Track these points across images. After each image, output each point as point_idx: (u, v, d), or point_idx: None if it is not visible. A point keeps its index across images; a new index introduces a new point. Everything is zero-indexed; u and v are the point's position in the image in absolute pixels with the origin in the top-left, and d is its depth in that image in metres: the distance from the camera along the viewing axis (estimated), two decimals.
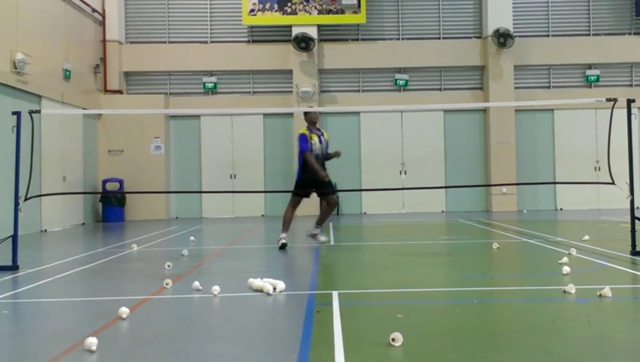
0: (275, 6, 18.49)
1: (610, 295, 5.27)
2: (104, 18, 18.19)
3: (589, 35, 19.38)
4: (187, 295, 5.84)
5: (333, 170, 18.96)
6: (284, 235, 9.58)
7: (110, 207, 17.20)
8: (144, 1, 19.19)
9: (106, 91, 18.26)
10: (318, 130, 9.79)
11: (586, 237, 9.88)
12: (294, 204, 9.81)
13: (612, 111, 8.49)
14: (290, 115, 18.47)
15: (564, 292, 5.48)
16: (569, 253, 8.01)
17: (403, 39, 19.26)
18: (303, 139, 9.57)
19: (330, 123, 18.85)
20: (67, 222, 15.45)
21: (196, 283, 6.06)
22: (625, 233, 8.67)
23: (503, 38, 18.34)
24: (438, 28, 19.35)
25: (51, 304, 5.89)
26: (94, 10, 17.58)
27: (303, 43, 18.33)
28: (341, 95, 18.99)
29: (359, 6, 18.50)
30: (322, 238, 9.89)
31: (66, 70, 15.57)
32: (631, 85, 19.30)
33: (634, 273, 6.92)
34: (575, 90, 19.02)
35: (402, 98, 18.62)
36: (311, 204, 18.51)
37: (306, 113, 9.91)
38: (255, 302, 5.49)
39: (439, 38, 19.32)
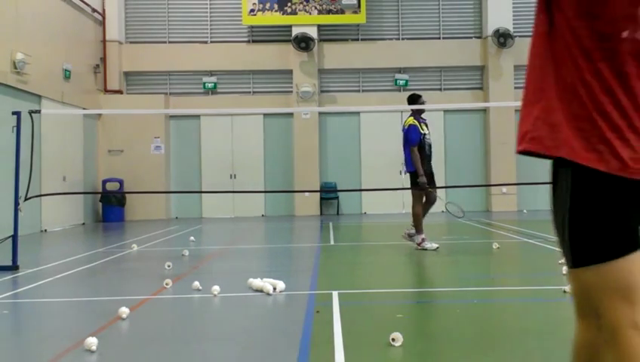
0: (275, 6, 18.49)
1: None
2: (104, 18, 18.19)
3: None
4: (187, 295, 5.84)
5: (334, 169, 19.04)
6: (423, 236, 8.88)
7: (110, 207, 17.20)
8: (144, 1, 19.18)
9: (106, 91, 18.26)
10: (424, 118, 9.15)
11: None
12: (420, 198, 9.04)
13: None
14: (290, 114, 18.48)
15: (564, 292, 5.47)
16: None
17: (403, 39, 19.26)
18: (415, 131, 8.88)
19: (330, 123, 18.86)
20: (67, 222, 15.45)
21: (196, 283, 6.06)
22: None
23: (503, 38, 18.34)
24: (438, 28, 19.35)
25: (51, 304, 5.89)
26: (94, 10, 17.58)
27: (303, 43, 18.33)
28: (341, 95, 18.98)
29: (359, 6, 18.49)
30: (428, 245, 8.85)
31: (66, 70, 15.57)
32: None
33: None
34: None
35: (402, 98, 18.55)
36: (312, 205, 18.57)
37: (414, 100, 9.05)
38: (255, 302, 5.49)
39: (439, 38, 19.32)
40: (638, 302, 1.69)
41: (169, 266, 7.44)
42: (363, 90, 19.12)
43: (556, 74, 1.83)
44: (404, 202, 18.49)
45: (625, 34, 1.70)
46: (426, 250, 8.85)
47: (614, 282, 1.69)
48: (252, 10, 18.50)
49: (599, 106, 1.72)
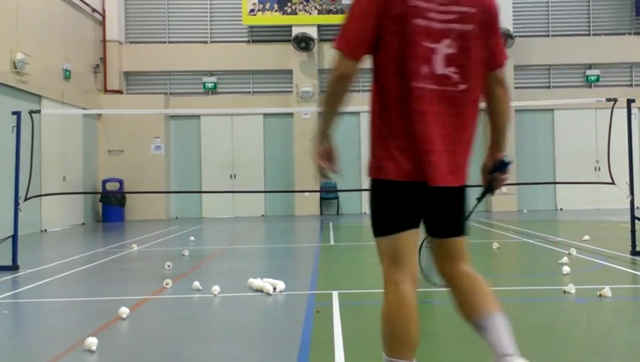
0: (275, 6, 18.49)
1: (610, 295, 5.27)
2: (104, 18, 18.19)
3: (589, 35, 19.38)
4: (187, 295, 5.84)
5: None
6: None
7: (110, 207, 17.20)
8: (144, 1, 19.18)
9: (106, 91, 18.26)
10: None
11: (586, 237, 9.88)
12: None
13: (612, 111, 8.49)
14: (290, 114, 18.48)
15: (564, 292, 5.48)
16: (569, 253, 8.01)
17: None
18: None
19: None
20: (67, 222, 15.45)
21: (196, 283, 6.06)
22: (625, 233, 8.67)
23: (503, 38, 18.32)
24: None
25: (51, 304, 5.89)
26: (94, 10, 17.58)
27: (303, 43, 18.33)
28: None
29: None
30: None
31: (66, 70, 15.57)
32: (631, 85, 19.29)
33: (634, 273, 6.92)
34: (575, 90, 19.01)
35: None
36: (312, 205, 18.56)
37: None
38: (255, 302, 5.49)
39: None
40: (401, 266, 2.51)
41: (169, 266, 7.44)
42: (363, 90, 19.04)
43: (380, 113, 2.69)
44: None
45: (414, 83, 2.48)
46: None
47: (387, 249, 2.56)
48: (252, 10, 18.50)
49: (390, 136, 2.58)
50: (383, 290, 2.53)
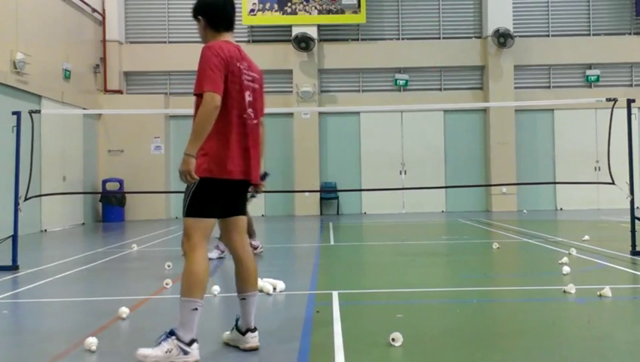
0: (275, 6, 18.49)
1: (610, 295, 5.27)
2: (104, 18, 18.19)
3: (589, 35, 19.38)
4: None
5: (334, 169, 19.06)
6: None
7: (110, 206, 17.20)
8: (144, 1, 19.18)
9: (106, 91, 18.26)
10: None
11: (586, 237, 9.89)
12: None
13: (612, 111, 8.49)
14: (290, 115, 18.48)
15: (564, 292, 5.48)
16: (569, 253, 8.01)
17: (403, 39, 19.26)
18: None
19: (330, 123, 18.86)
20: (67, 222, 15.45)
21: None
22: (625, 233, 8.67)
23: (503, 38, 18.34)
24: (438, 28, 19.35)
25: (51, 304, 5.89)
26: (94, 10, 17.57)
27: (303, 43, 18.33)
28: (341, 95, 18.98)
29: (359, 6, 18.49)
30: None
31: (66, 70, 15.57)
32: (631, 85, 19.29)
33: (634, 273, 6.92)
34: (575, 90, 19.02)
35: (402, 98, 18.60)
36: (311, 205, 18.57)
37: None
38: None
39: (439, 38, 19.31)
40: (206, 239, 3.77)
41: (169, 266, 7.44)
42: (363, 90, 19.11)
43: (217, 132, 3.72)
44: (404, 202, 18.49)
45: (243, 115, 3.83)
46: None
47: (203, 229, 3.74)
48: (252, 10, 18.50)
49: (228, 147, 3.74)
50: (190, 255, 3.72)
